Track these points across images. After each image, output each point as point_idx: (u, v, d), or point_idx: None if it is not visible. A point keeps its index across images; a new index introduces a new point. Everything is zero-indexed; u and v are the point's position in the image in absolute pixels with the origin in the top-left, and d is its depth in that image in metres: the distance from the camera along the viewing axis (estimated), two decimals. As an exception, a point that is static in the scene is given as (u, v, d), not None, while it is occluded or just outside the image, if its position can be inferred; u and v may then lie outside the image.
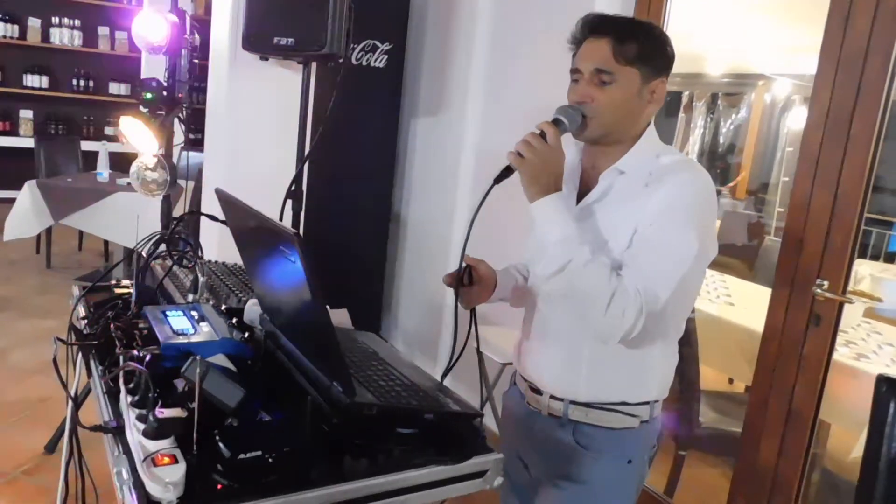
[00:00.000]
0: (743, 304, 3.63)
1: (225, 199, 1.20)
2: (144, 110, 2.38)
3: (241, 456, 0.95)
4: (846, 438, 2.75)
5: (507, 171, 1.30)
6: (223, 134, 2.83)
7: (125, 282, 1.69)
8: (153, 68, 5.25)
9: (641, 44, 1.29)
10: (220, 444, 0.97)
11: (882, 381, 1.66)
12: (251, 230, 1.16)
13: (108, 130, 6.95)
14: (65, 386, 1.26)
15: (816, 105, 2.11)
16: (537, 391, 1.43)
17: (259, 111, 2.83)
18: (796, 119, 6.68)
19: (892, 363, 2.86)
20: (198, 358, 1.00)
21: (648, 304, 1.21)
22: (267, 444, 0.99)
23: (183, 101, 2.43)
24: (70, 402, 1.36)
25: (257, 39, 2.43)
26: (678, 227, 1.24)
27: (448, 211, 3.37)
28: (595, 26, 1.32)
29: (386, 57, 3.27)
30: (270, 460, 0.97)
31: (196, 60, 2.53)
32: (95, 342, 1.32)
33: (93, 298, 1.60)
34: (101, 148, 4.82)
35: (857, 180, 2.01)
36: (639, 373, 1.37)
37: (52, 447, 2.66)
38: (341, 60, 2.42)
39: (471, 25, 3.21)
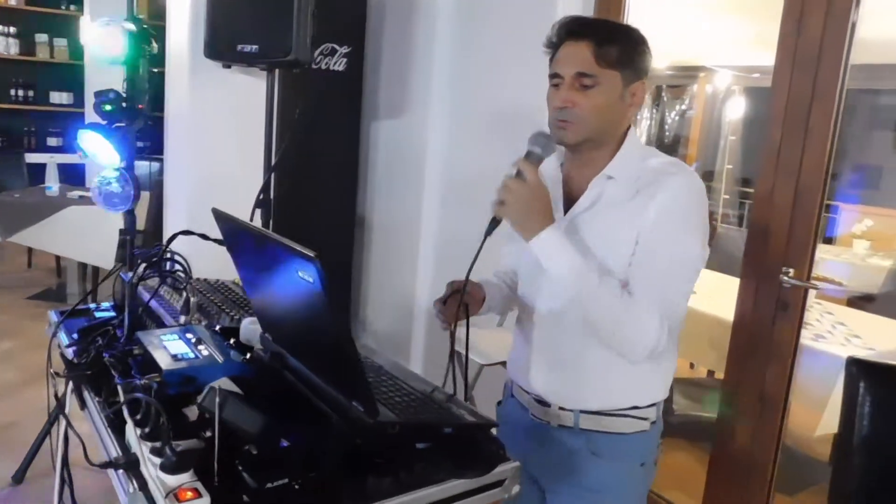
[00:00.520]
0: (700, 291, 3.75)
1: (224, 219, 1.17)
2: (104, 122, 2.28)
3: (269, 485, 0.94)
4: (807, 416, 2.86)
5: (494, 223, 1.29)
6: (185, 143, 2.75)
7: (104, 304, 1.63)
8: (98, 76, 5.09)
9: (622, 46, 1.28)
10: (245, 475, 0.96)
11: (852, 362, 1.73)
12: (256, 250, 1.14)
13: (52, 141, 6.65)
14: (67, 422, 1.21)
15: (776, 101, 2.19)
16: (544, 403, 1.42)
17: (221, 119, 2.76)
18: (736, 109, 6.93)
19: (847, 342, 3.01)
20: (216, 386, 0.97)
21: (668, 316, 1.23)
22: (292, 470, 0.98)
23: (144, 112, 2.34)
24: (61, 436, 1.31)
25: (220, 47, 2.37)
26: (683, 236, 1.26)
27: (415, 213, 3.37)
28: (574, 30, 1.30)
29: (345, 60, 3.24)
30: (297, 487, 0.96)
31: (155, 69, 2.44)
32: (89, 372, 1.27)
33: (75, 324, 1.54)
34: (49, 161, 4.63)
35: (816, 171, 2.10)
36: (647, 376, 1.38)
37: (19, 477, 2.54)
38: (307, 66, 2.38)
39: (431, 27, 3.21)
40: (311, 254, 0.88)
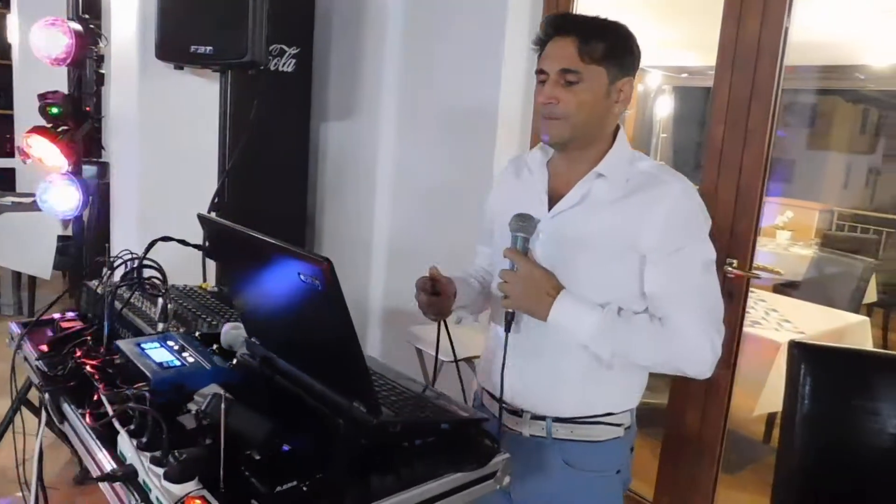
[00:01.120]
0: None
1: (212, 224, 1.17)
2: (48, 125, 2.20)
3: (279, 488, 0.95)
4: (745, 398, 3.02)
5: (510, 315, 1.32)
6: (135, 146, 2.67)
7: (69, 314, 1.58)
8: (28, 77, 4.83)
9: (608, 42, 1.26)
10: (253, 479, 0.96)
11: (794, 345, 1.85)
12: (247, 255, 1.14)
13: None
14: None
15: (717, 101, 2.31)
16: (516, 413, 1.39)
17: (172, 121, 2.70)
18: (666, 108, 7.21)
19: (780, 327, 3.20)
20: (222, 394, 0.98)
21: (715, 323, 1.27)
22: (298, 473, 0.99)
23: (91, 114, 2.27)
24: (36, 452, 1.27)
25: (172, 48, 2.32)
26: (700, 244, 1.29)
27: (367, 214, 3.37)
28: (559, 25, 1.29)
29: (294, 61, 3.22)
30: (305, 489, 0.97)
31: (101, 71, 2.37)
32: (70, 384, 1.24)
33: (36, 336, 1.49)
34: (-24, 166, 4.37)
35: (756, 168, 2.24)
36: (622, 381, 1.36)
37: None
38: (262, 68, 2.36)
39: (380, 26, 3.22)
40: (322, 258, 0.89)
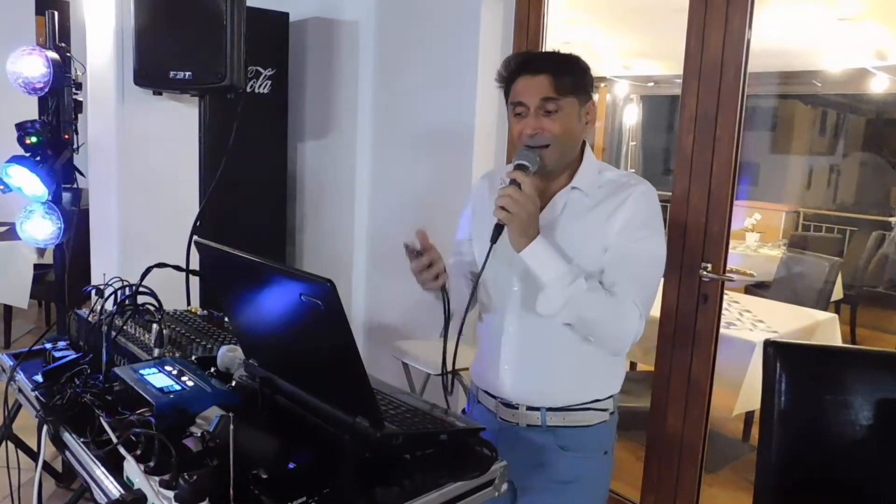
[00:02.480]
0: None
1: (208, 250, 1.20)
2: (27, 154, 2.20)
3: (289, 504, 0.98)
4: (724, 398, 3.09)
5: (499, 229, 1.36)
6: (113, 172, 2.67)
7: (61, 343, 1.59)
8: (1, 106, 4.76)
9: (574, 75, 1.42)
10: (263, 498, 0.99)
11: (769, 344, 1.91)
12: (245, 278, 1.17)
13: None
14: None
15: (685, 112, 2.39)
16: (511, 406, 1.51)
17: (150, 146, 2.70)
18: (633, 116, 7.37)
19: (754, 327, 3.30)
20: (229, 415, 1.00)
21: (645, 309, 1.37)
22: (306, 489, 1.02)
23: (70, 142, 2.27)
24: (35, 483, 1.27)
25: (151, 74, 2.33)
26: (649, 238, 1.41)
27: (346, 230, 3.41)
28: (530, 65, 1.42)
29: (269, 82, 3.25)
30: (314, 504, 1.00)
31: (79, 98, 2.37)
32: (70, 413, 1.25)
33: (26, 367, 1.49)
34: (-49, 195, 4.27)
35: (725, 175, 2.32)
36: (606, 370, 1.51)
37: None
38: (241, 91, 2.39)
39: (353, 47, 3.27)
40: (324, 279, 0.93)
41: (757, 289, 4.94)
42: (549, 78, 1.39)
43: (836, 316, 3.84)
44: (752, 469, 1.89)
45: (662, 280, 2.47)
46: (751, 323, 3.35)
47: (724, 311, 3.38)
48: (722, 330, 3.13)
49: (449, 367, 1.43)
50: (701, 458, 2.47)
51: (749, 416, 3.43)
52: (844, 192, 9.62)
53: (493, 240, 1.36)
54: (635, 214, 1.40)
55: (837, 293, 4.80)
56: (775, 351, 1.88)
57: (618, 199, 1.42)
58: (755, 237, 5.69)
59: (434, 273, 1.40)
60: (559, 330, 1.41)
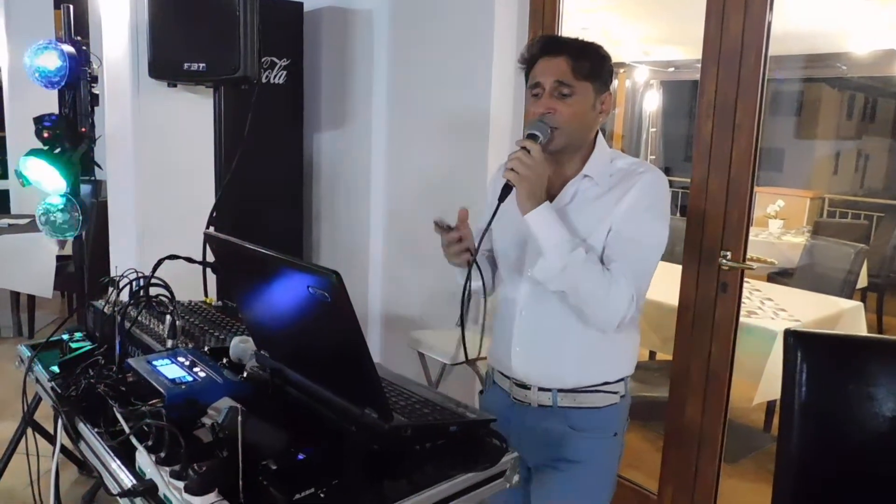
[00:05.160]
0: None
1: (219, 242, 1.20)
2: (45, 147, 2.22)
3: (297, 496, 0.98)
4: (744, 388, 3.06)
5: (507, 189, 1.39)
6: (130, 164, 2.70)
7: (77, 335, 1.61)
8: (20, 99, 4.85)
9: (592, 62, 1.44)
10: (272, 489, 0.99)
11: (789, 334, 1.87)
12: (256, 270, 1.17)
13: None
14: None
15: (704, 98, 2.35)
16: (524, 386, 1.55)
17: (166, 138, 2.73)
18: (654, 102, 7.27)
19: (776, 316, 3.25)
20: (238, 407, 1.00)
21: (638, 290, 1.39)
22: (315, 480, 1.02)
23: (87, 135, 2.29)
24: (53, 471, 1.29)
25: (165, 66, 2.35)
26: (651, 223, 1.43)
27: (362, 221, 3.41)
28: (551, 47, 1.45)
29: (285, 73, 3.25)
30: (323, 496, 1.00)
31: (95, 91, 2.39)
32: (84, 404, 1.26)
33: (44, 357, 1.51)
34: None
35: (745, 162, 2.27)
36: (615, 353, 1.54)
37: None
38: (255, 82, 2.39)
39: (368, 35, 3.26)
40: (330, 270, 0.93)
41: (780, 276, 4.87)
42: (567, 61, 1.42)
43: (862, 304, 3.77)
44: (773, 460, 1.87)
45: (681, 268, 2.47)
46: (772, 311, 3.30)
47: (745, 300, 3.36)
48: (743, 318, 3.10)
49: (470, 347, 1.48)
50: (720, 449, 2.44)
51: (770, 405, 3.39)
52: (873, 178, 9.43)
53: (501, 199, 1.39)
54: (640, 199, 1.42)
55: (863, 281, 4.71)
56: (796, 340, 1.85)
57: (626, 185, 1.44)
58: (778, 224, 5.61)
59: (464, 247, 1.45)
60: (569, 313, 1.44)
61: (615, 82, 6.96)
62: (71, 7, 2.41)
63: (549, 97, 1.42)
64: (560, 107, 1.41)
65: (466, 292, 1.47)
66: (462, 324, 1.47)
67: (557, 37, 1.52)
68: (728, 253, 2.32)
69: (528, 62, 1.48)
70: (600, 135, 1.54)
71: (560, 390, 1.51)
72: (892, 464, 1.74)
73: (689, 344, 2.46)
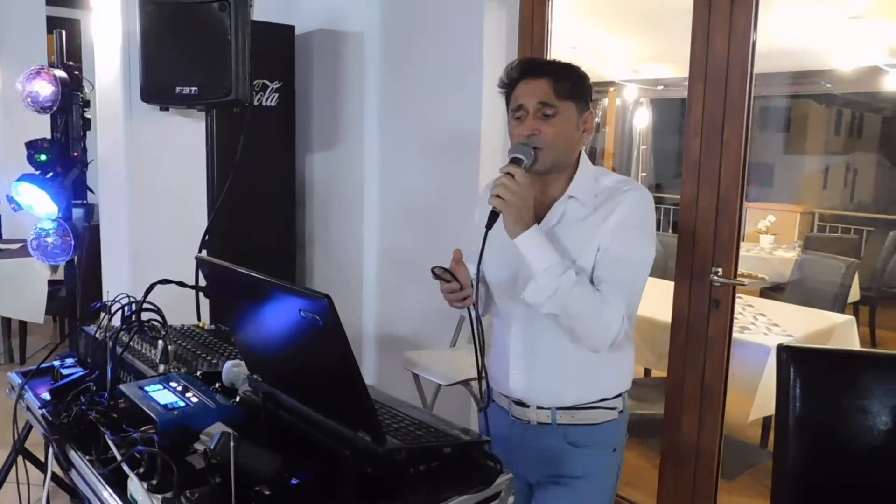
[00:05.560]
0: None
1: (211, 266, 1.20)
2: (37, 172, 2.22)
3: (291, 521, 0.97)
4: (739, 404, 3.06)
5: (494, 216, 1.39)
6: (122, 188, 2.70)
7: (68, 360, 1.60)
8: (11, 124, 4.87)
9: (573, 81, 1.47)
10: (266, 514, 0.99)
11: (782, 349, 1.88)
12: (248, 294, 1.17)
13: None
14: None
15: (692, 115, 2.37)
16: (523, 404, 1.56)
17: (158, 161, 2.73)
18: (644, 119, 7.33)
19: (769, 331, 3.25)
20: (231, 433, 1.00)
21: (629, 308, 1.41)
22: (308, 504, 1.01)
23: (80, 159, 2.29)
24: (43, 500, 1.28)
25: (158, 90, 2.36)
26: (638, 241, 1.45)
27: (356, 241, 3.41)
28: (531, 69, 1.47)
29: (276, 95, 3.27)
30: (317, 519, 1.00)
31: (88, 116, 2.40)
32: (75, 431, 1.25)
33: (36, 384, 1.50)
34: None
35: (734, 178, 2.29)
36: (612, 369, 1.55)
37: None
38: (247, 105, 2.40)
39: (359, 57, 3.28)
40: (322, 294, 0.93)
41: (772, 291, 4.88)
42: (548, 82, 1.43)
43: (854, 318, 3.78)
44: (770, 475, 1.86)
45: (673, 285, 2.48)
46: (765, 327, 3.31)
47: (737, 316, 3.37)
48: (736, 334, 3.10)
49: (467, 367, 1.47)
50: (717, 465, 2.44)
51: (767, 421, 3.38)
52: (861, 192, 9.51)
53: (488, 226, 1.39)
54: (626, 218, 1.43)
55: (854, 295, 4.72)
56: (789, 355, 1.85)
57: (611, 204, 1.45)
58: (769, 239, 5.63)
59: (463, 295, 1.45)
60: (564, 334, 1.45)
61: (605, 101, 7.02)
62: (63, 32, 2.42)
63: (533, 118, 1.43)
64: (544, 127, 1.43)
65: (476, 331, 1.46)
66: (477, 357, 1.47)
67: (536, 59, 1.54)
68: (719, 269, 2.33)
69: (509, 86, 1.49)
70: (584, 154, 1.55)
71: (559, 408, 1.52)
72: (888, 476, 1.74)
73: (683, 360, 2.46)
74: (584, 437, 1.52)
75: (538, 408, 1.53)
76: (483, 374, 1.51)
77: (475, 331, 1.47)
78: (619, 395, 1.56)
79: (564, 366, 1.51)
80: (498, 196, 1.36)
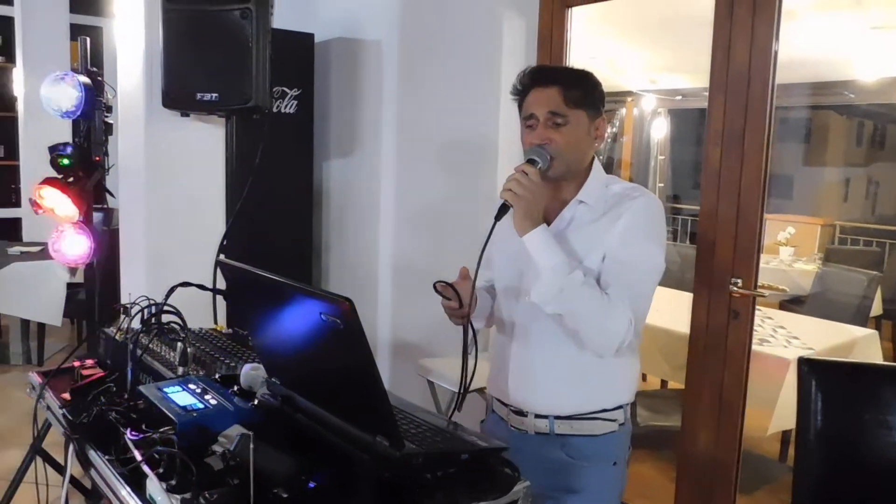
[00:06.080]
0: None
1: (232, 269, 1.21)
2: (59, 176, 2.26)
3: (309, 524, 0.97)
4: (758, 417, 3.02)
5: (504, 209, 1.40)
6: (142, 193, 2.73)
7: (88, 361, 1.61)
8: (34, 129, 4.95)
9: (584, 88, 1.47)
10: (283, 516, 0.98)
11: (803, 362, 1.86)
12: (268, 297, 1.17)
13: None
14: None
15: (712, 126, 2.35)
16: (521, 413, 1.54)
17: (178, 166, 2.76)
18: (662, 130, 7.30)
19: (788, 344, 3.21)
20: (250, 435, 1.00)
21: (636, 314, 1.39)
22: (326, 508, 1.01)
23: (101, 164, 2.32)
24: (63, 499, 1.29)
25: (179, 96, 2.39)
26: (646, 246, 1.44)
27: (372, 248, 3.42)
28: (542, 77, 1.47)
29: (295, 102, 3.29)
30: (334, 523, 0.99)
31: (109, 121, 2.44)
32: (95, 431, 1.26)
33: (55, 384, 1.52)
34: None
35: (754, 188, 2.27)
36: (613, 380, 1.52)
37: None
38: (267, 112, 2.42)
39: (377, 65, 3.30)
40: (344, 298, 0.93)
41: (792, 304, 4.82)
42: (559, 90, 1.44)
43: (877, 332, 3.72)
44: (790, 490, 1.83)
45: (691, 296, 2.45)
46: (785, 339, 3.27)
47: (757, 328, 3.33)
48: (755, 346, 3.07)
49: (465, 386, 1.45)
50: (735, 479, 2.40)
51: (786, 435, 3.33)
52: (883, 205, 9.38)
53: (497, 217, 1.40)
54: (634, 223, 1.43)
55: (877, 308, 4.66)
56: (810, 369, 1.83)
57: (620, 209, 1.45)
58: (789, 251, 5.57)
59: (460, 314, 1.45)
60: (566, 338, 1.44)
61: (622, 111, 7.01)
62: (87, 39, 2.46)
63: (543, 128, 1.44)
64: (555, 136, 1.43)
65: (467, 344, 1.45)
66: (463, 368, 1.44)
67: (548, 66, 1.55)
68: (739, 280, 2.30)
69: (521, 93, 1.50)
70: (596, 160, 1.55)
71: (557, 417, 1.50)
72: (911, 493, 1.71)
73: (701, 372, 2.43)
74: (583, 448, 1.50)
75: (536, 416, 1.51)
76: (468, 385, 1.46)
77: (466, 342, 1.45)
78: (620, 407, 1.54)
79: (564, 372, 1.49)
80: (510, 190, 1.36)
